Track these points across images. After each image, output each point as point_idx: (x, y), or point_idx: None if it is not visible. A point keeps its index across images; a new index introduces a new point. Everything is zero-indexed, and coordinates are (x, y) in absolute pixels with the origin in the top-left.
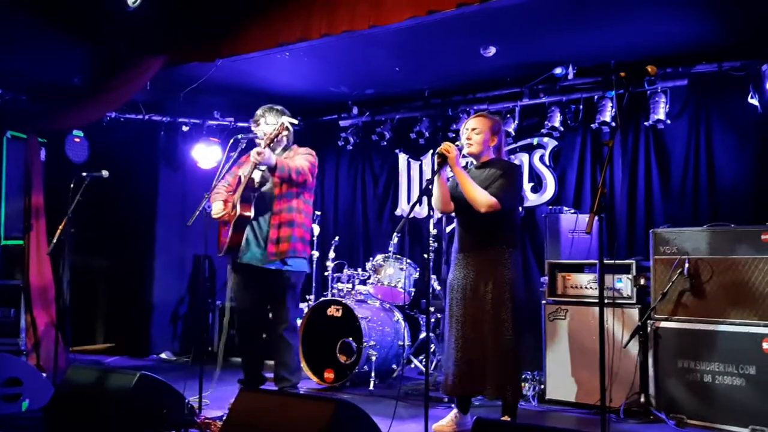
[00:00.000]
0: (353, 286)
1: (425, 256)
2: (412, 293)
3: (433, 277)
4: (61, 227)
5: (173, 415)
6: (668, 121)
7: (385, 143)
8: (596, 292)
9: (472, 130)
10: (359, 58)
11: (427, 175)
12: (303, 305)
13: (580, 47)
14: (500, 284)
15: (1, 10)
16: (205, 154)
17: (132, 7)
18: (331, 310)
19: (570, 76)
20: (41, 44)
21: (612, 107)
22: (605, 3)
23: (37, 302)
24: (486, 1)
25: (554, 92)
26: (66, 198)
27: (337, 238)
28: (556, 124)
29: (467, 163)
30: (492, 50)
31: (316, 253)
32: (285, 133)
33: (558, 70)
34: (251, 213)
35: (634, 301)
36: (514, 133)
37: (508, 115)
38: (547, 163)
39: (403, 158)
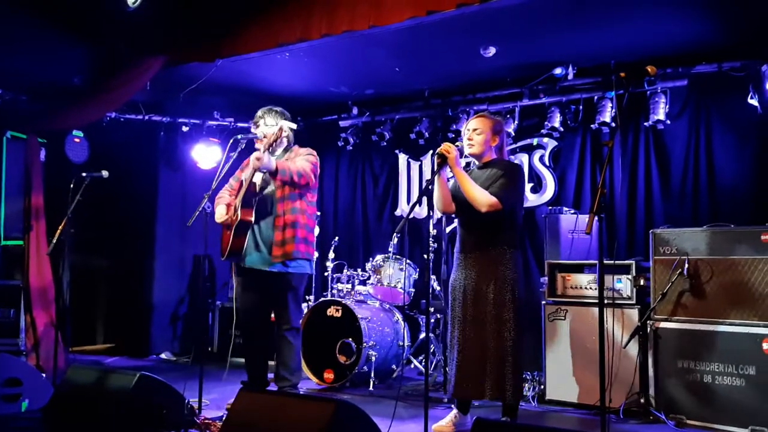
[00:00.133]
0: (353, 286)
1: (425, 256)
2: (412, 294)
3: (433, 277)
4: (60, 227)
5: (173, 415)
6: (668, 122)
7: (385, 143)
8: (596, 293)
9: (474, 131)
10: (359, 58)
11: (427, 175)
12: (303, 305)
13: (580, 47)
14: (502, 285)
15: (1, 10)
16: (205, 155)
17: (132, 7)
18: (331, 311)
19: (570, 77)
20: (41, 44)
21: (612, 107)
22: (605, 3)
23: (36, 302)
24: (486, 1)
25: (554, 92)
26: (66, 198)
27: (336, 238)
28: (556, 124)
29: (470, 163)
30: (492, 50)
31: (315, 254)
32: (285, 133)
33: (558, 71)
34: (252, 218)
35: (633, 302)
36: (513, 134)
37: (508, 116)
38: (547, 164)
39: (403, 158)
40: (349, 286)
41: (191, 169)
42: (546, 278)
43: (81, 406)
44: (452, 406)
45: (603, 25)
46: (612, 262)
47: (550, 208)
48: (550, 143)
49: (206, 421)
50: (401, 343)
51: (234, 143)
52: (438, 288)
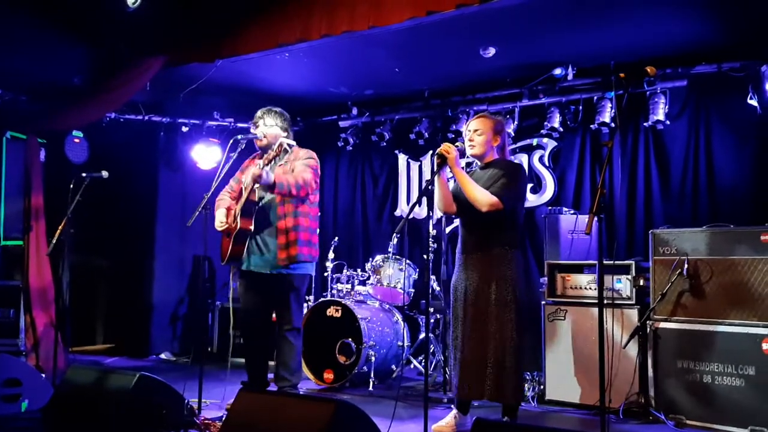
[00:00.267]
0: (353, 286)
1: (425, 256)
2: (412, 294)
3: (433, 277)
4: (60, 228)
5: (173, 415)
6: (668, 122)
7: (384, 144)
8: (596, 293)
9: (474, 132)
10: (359, 58)
11: (427, 175)
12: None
13: (579, 48)
14: (503, 285)
15: (1, 10)
16: (205, 155)
17: (132, 8)
18: (331, 311)
19: (569, 77)
20: (41, 44)
21: (611, 108)
22: (605, 3)
23: (36, 303)
24: (485, 1)
25: (554, 93)
26: (66, 198)
27: (336, 238)
28: (556, 124)
29: (472, 164)
30: (491, 51)
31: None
32: (283, 148)
33: (557, 71)
34: (252, 226)
35: (633, 302)
36: (513, 134)
37: (508, 116)
38: (547, 164)
39: (402, 159)
40: (349, 286)
41: (191, 169)
42: (546, 278)
43: (81, 407)
44: (452, 406)
45: (602, 26)
46: (612, 262)
47: (549, 208)
48: (550, 143)
49: (206, 421)
50: (401, 344)
51: (234, 143)
52: (438, 288)
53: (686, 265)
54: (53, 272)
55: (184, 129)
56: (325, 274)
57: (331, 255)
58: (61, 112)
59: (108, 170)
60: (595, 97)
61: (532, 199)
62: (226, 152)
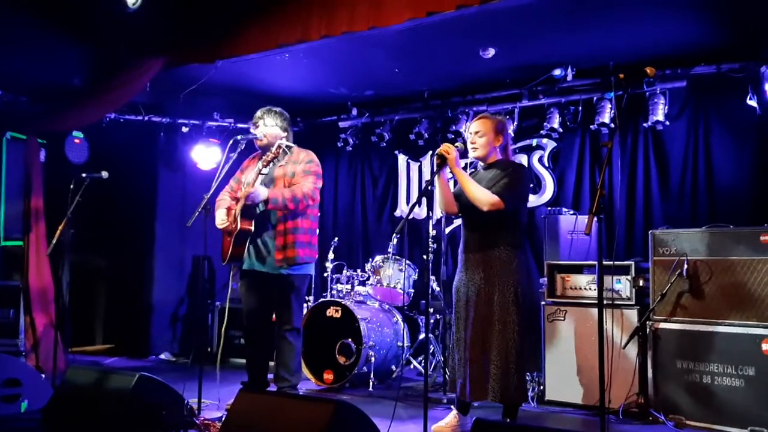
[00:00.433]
0: (352, 287)
1: (424, 257)
2: (412, 294)
3: (432, 278)
4: (60, 228)
5: (172, 416)
6: (667, 123)
7: (384, 144)
8: (595, 294)
9: (476, 134)
10: (358, 59)
11: (427, 176)
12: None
13: (579, 49)
14: (506, 285)
15: (1, 11)
16: (205, 155)
17: (132, 8)
18: (331, 311)
19: (569, 78)
20: (41, 45)
21: (611, 108)
22: (604, 4)
23: (36, 303)
24: (485, 2)
25: (553, 94)
26: (66, 199)
27: (336, 239)
28: (555, 125)
29: (475, 164)
30: (491, 52)
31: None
32: (281, 150)
33: (557, 72)
34: (252, 227)
35: (633, 303)
36: (513, 135)
37: (508, 117)
38: (546, 165)
39: (402, 159)
40: (349, 286)
41: (191, 169)
42: (545, 279)
43: (80, 407)
44: (452, 406)
45: (602, 27)
46: (611, 262)
47: (549, 208)
48: (550, 144)
49: (206, 421)
50: (401, 344)
51: (234, 144)
52: (437, 289)
53: (686, 266)
54: (53, 272)
55: (184, 129)
56: (325, 274)
57: (330, 255)
58: (61, 112)
59: (108, 171)
60: (595, 98)
61: (531, 200)
62: (225, 152)
